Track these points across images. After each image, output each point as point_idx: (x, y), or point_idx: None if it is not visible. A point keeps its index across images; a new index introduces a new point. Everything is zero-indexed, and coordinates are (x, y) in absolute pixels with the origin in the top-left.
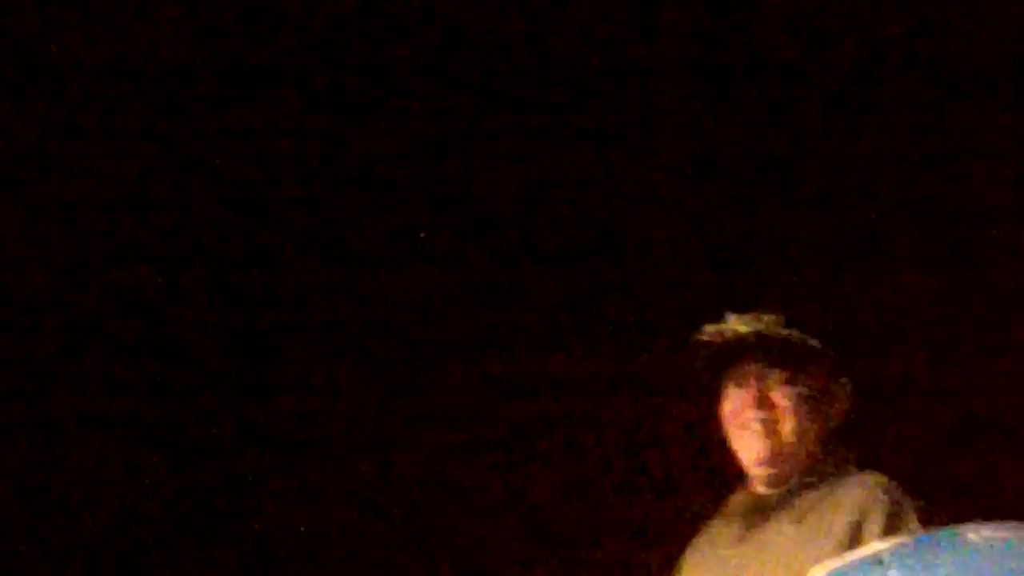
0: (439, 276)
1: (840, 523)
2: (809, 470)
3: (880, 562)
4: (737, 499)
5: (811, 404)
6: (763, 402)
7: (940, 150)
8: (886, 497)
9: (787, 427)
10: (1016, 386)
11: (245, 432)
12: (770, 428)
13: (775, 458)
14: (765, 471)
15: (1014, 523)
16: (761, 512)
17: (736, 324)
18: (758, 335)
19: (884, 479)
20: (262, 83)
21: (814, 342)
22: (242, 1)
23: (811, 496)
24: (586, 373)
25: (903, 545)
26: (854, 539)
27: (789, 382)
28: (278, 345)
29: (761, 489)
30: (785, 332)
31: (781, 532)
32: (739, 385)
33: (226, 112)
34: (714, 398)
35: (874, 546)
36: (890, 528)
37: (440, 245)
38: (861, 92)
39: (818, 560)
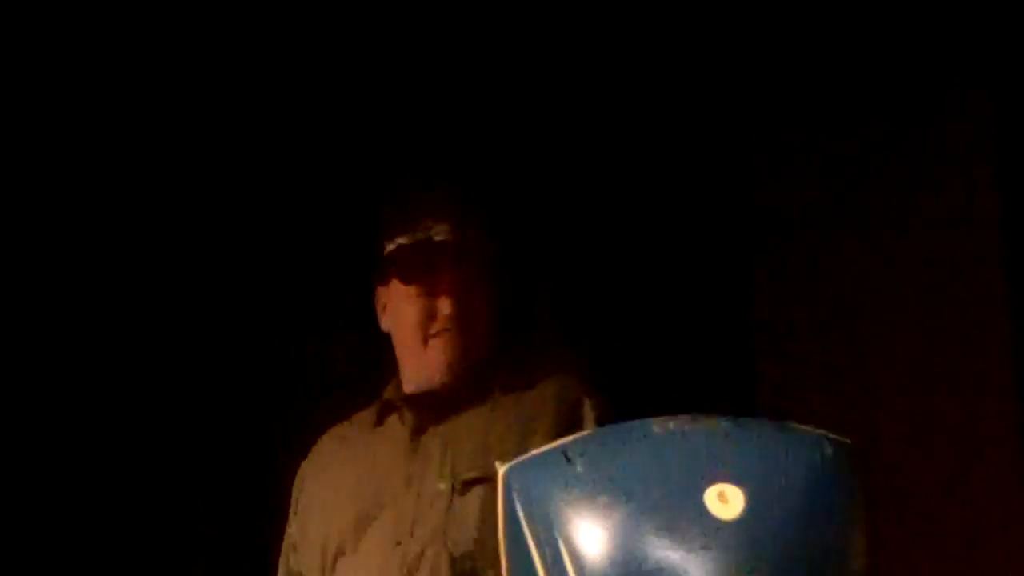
0: None
1: (547, 413)
2: (492, 365)
3: (566, 457)
4: (398, 398)
5: (494, 299)
6: (458, 308)
7: None
8: (586, 388)
9: (477, 332)
10: None
11: None
12: (464, 334)
13: (466, 364)
14: (455, 378)
15: (698, 415)
16: (439, 409)
17: (432, 230)
18: (454, 240)
19: (573, 378)
20: None
21: (495, 241)
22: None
23: (504, 387)
24: None
25: (588, 439)
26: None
27: (481, 279)
28: None
29: (441, 390)
30: (475, 235)
31: (472, 423)
32: (432, 292)
33: None
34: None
35: (559, 441)
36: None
37: None
38: None
39: (513, 449)
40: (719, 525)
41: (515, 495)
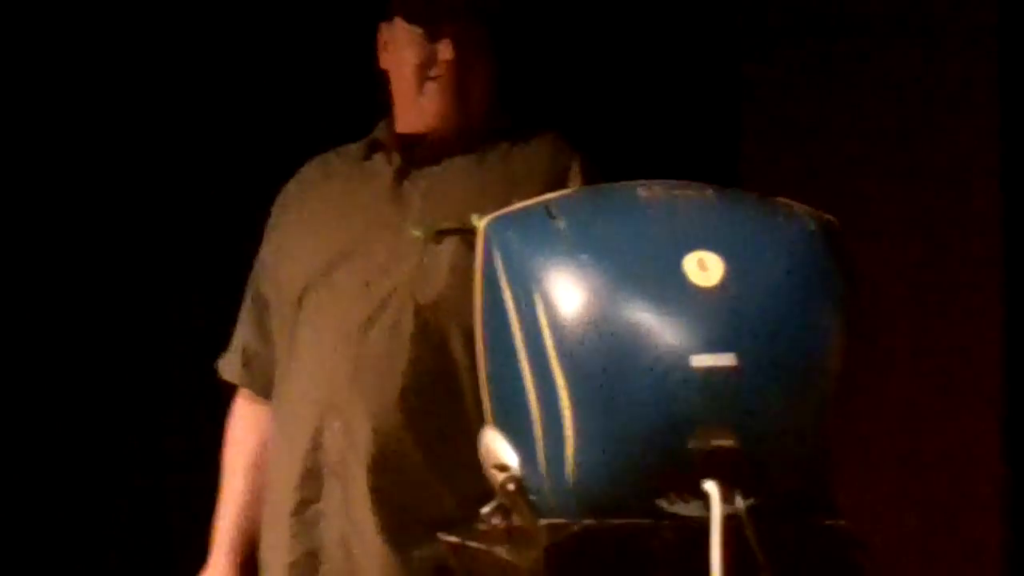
0: None
1: (535, 173)
2: (487, 125)
3: (549, 212)
4: (388, 137)
5: (493, 61)
6: (460, 57)
7: None
8: (577, 155)
9: (475, 86)
10: None
11: None
12: (461, 84)
13: (460, 115)
14: (448, 126)
15: (687, 182)
16: (427, 154)
17: None
18: None
19: (565, 143)
20: None
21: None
22: None
23: (494, 145)
24: None
25: (573, 196)
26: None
27: (483, 41)
28: None
29: (431, 135)
30: None
31: (458, 174)
32: (434, 37)
33: None
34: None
35: (542, 197)
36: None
37: None
38: None
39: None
40: (696, 291)
41: (494, 247)
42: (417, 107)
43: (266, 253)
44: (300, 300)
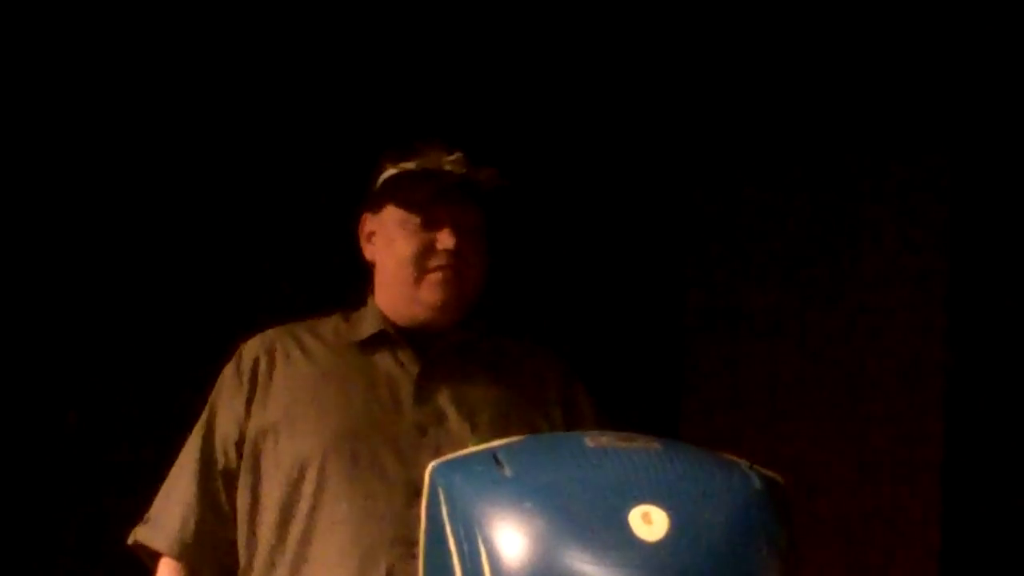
0: None
1: (551, 394)
2: (469, 324)
3: (496, 460)
4: (392, 331)
5: (486, 244)
6: (459, 246)
7: None
8: (576, 375)
9: (473, 275)
10: None
11: None
12: (460, 274)
13: (459, 307)
14: (447, 318)
15: (632, 434)
16: (441, 356)
17: (443, 160)
18: (465, 175)
19: (563, 363)
20: None
21: (503, 184)
22: None
23: (496, 352)
24: None
25: (520, 444)
26: (563, 411)
27: (480, 227)
28: None
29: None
30: (487, 175)
31: (480, 384)
32: (432, 224)
33: None
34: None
35: (489, 444)
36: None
37: None
38: None
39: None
40: (640, 545)
41: (440, 492)
42: (414, 299)
43: (243, 421)
44: (320, 485)
